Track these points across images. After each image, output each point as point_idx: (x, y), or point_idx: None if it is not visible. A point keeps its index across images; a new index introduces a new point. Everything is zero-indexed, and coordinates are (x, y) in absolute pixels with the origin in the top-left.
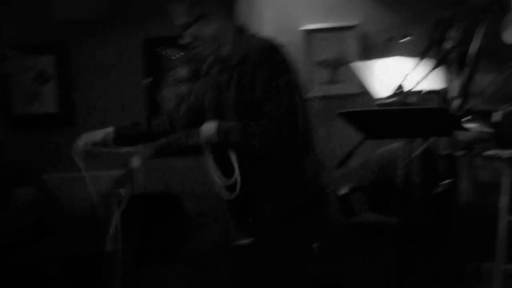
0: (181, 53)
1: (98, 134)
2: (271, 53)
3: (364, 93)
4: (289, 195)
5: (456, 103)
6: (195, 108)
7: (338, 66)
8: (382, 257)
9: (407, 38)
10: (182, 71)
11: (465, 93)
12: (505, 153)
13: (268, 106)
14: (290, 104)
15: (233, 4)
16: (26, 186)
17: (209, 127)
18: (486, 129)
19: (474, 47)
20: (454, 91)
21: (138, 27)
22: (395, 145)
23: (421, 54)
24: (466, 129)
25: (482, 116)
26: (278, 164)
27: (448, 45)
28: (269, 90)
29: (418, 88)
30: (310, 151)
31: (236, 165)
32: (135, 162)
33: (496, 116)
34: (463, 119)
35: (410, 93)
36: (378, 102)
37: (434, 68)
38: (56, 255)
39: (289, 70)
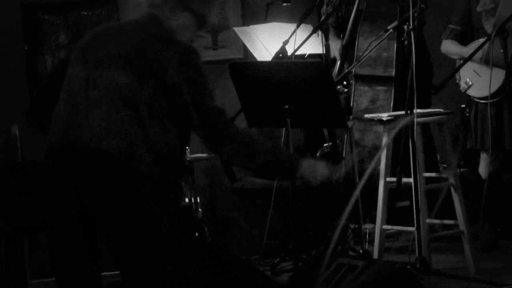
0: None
1: None
2: None
3: (246, 58)
4: None
5: (336, 68)
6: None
7: (220, 31)
8: (265, 220)
9: (287, 3)
10: (62, 37)
11: (344, 58)
12: (385, 115)
13: None
14: None
15: None
16: None
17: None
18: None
19: (353, 12)
20: (334, 55)
21: None
22: None
23: (301, 18)
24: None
25: (362, 79)
26: None
27: (325, 9)
28: None
29: (299, 52)
30: None
31: None
32: (15, 129)
33: None
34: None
35: (292, 56)
36: None
37: (313, 33)
38: None
39: None
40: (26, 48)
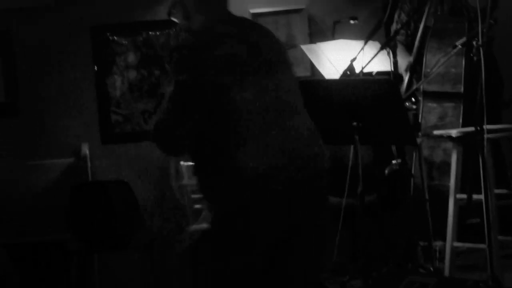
0: (130, 39)
1: None
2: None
3: (313, 75)
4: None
5: (404, 84)
6: None
7: (287, 48)
8: (334, 237)
9: (354, 20)
10: (131, 57)
11: (412, 74)
12: (454, 132)
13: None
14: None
15: None
16: None
17: None
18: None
19: (420, 28)
20: (402, 72)
21: (84, 13)
22: None
23: (368, 35)
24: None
25: (430, 96)
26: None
27: (395, 27)
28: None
29: (367, 70)
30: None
31: None
32: (85, 149)
33: None
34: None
35: (360, 74)
36: None
37: (381, 50)
38: (7, 242)
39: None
40: (96, 69)
